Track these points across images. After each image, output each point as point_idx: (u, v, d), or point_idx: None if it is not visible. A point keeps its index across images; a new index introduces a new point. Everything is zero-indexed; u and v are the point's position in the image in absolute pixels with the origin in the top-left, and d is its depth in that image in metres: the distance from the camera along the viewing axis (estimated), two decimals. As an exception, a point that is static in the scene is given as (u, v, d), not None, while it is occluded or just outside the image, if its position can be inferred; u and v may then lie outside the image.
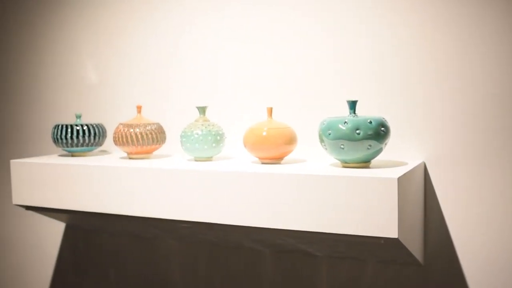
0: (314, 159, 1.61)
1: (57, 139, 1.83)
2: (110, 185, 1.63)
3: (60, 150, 2.09)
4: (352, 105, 1.41)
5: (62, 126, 1.83)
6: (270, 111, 1.54)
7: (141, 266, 2.08)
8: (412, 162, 1.49)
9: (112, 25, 2.07)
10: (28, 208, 1.86)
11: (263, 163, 1.53)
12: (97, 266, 2.19)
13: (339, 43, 1.66)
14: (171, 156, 1.83)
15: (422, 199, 1.55)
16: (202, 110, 1.66)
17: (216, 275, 1.92)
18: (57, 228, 2.26)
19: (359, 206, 1.27)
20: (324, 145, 1.40)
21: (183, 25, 1.92)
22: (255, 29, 1.79)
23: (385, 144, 1.39)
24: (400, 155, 1.58)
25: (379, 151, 1.38)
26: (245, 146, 1.53)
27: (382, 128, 1.36)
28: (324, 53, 1.68)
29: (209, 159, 1.64)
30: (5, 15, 2.36)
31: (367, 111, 1.57)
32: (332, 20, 1.67)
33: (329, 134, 1.37)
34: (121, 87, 2.06)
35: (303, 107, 1.72)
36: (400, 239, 1.25)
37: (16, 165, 1.84)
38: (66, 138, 1.82)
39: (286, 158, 1.57)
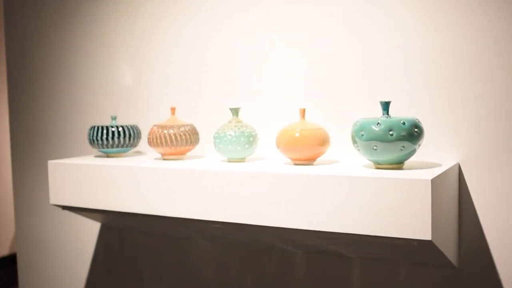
0: (347, 160, 1.61)
1: (93, 140, 1.86)
2: (145, 185, 1.66)
3: (96, 151, 2.13)
4: (385, 106, 1.41)
5: (98, 127, 1.86)
6: (303, 112, 1.55)
7: (174, 266, 2.10)
8: (446, 164, 1.47)
9: (146, 27, 2.10)
10: (65, 208, 1.89)
11: (295, 164, 1.54)
12: (131, 265, 2.22)
13: (372, 44, 1.65)
14: (204, 157, 1.84)
15: (457, 201, 1.54)
16: (235, 111, 1.67)
17: (248, 275, 1.93)
18: (92, 227, 2.30)
19: (392, 207, 1.27)
20: (357, 146, 1.40)
21: (216, 26, 1.94)
22: (288, 30, 1.80)
23: (419, 145, 1.38)
24: (434, 156, 1.56)
25: (412, 152, 1.37)
26: (277, 147, 1.54)
27: (416, 129, 1.35)
28: (358, 54, 1.68)
29: (242, 160, 1.65)
30: (41, 19, 2.41)
31: (401, 112, 1.56)
32: (365, 20, 1.67)
33: (362, 135, 1.37)
34: (155, 89, 2.08)
35: (336, 108, 1.72)
36: (434, 241, 1.24)
37: (54, 165, 1.88)
38: (101, 139, 1.85)
39: (318, 159, 1.57)
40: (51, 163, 1.88)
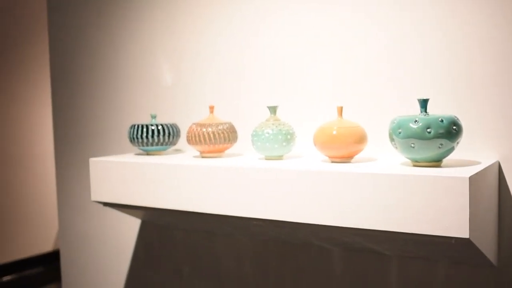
0: (384, 158, 1.61)
1: (133, 138, 1.90)
2: (184, 183, 1.68)
3: (136, 149, 2.17)
4: (423, 103, 1.40)
5: (138, 126, 1.89)
6: (340, 110, 1.55)
7: (213, 263, 2.13)
8: (486, 162, 1.46)
9: (185, 27, 2.13)
10: (106, 204, 1.93)
11: (332, 162, 1.54)
12: (170, 262, 2.25)
13: (410, 41, 1.65)
14: (242, 155, 1.86)
15: (496, 199, 1.52)
16: (273, 109, 1.68)
17: (286, 272, 1.95)
18: (133, 224, 2.34)
19: (429, 205, 1.27)
20: (394, 144, 1.40)
21: (253, 26, 1.95)
22: (325, 28, 1.80)
23: (457, 143, 1.37)
24: (473, 154, 1.55)
25: (450, 150, 1.37)
26: (315, 145, 1.54)
27: (454, 127, 1.35)
28: (395, 51, 1.68)
29: (279, 157, 1.67)
30: (83, 19, 2.46)
31: (439, 110, 1.55)
32: (403, 18, 1.66)
33: (400, 133, 1.37)
34: (194, 88, 2.11)
35: (373, 106, 1.72)
36: (472, 239, 1.23)
37: (95, 163, 1.92)
38: (142, 138, 1.88)
39: (356, 157, 1.57)
40: (93, 161, 1.93)
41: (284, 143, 1.63)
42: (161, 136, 1.89)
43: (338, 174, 1.39)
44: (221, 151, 1.79)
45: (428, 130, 1.33)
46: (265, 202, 1.52)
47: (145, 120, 2.17)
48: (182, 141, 2.03)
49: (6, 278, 4.59)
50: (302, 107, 1.85)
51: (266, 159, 1.68)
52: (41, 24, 4.70)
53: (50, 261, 4.92)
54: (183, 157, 1.86)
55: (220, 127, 1.76)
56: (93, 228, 2.53)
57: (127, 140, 2.18)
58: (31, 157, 4.87)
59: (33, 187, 4.85)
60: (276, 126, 1.63)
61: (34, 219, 4.85)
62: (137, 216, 2.17)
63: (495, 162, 1.49)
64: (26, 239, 4.79)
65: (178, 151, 2.08)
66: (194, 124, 1.79)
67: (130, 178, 1.82)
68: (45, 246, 4.94)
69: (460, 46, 1.57)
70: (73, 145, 2.56)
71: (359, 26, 1.74)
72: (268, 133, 1.62)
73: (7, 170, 4.68)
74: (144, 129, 1.88)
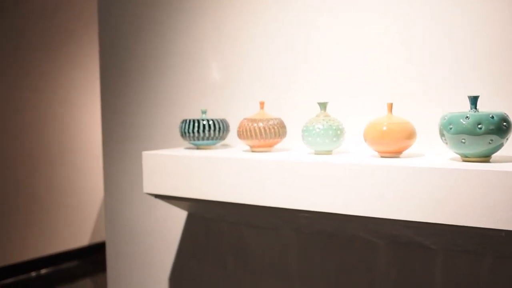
0: (432, 154, 1.65)
1: (185, 132, 1.96)
2: (235, 176, 1.75)
3: (185, 144, 2.24)
4: (474, 100, 1.44)
5: (189, 121, 1.96)
6: (390, 106, 1.60)
7: (259, 256, 2.18)
8: (534, 158, 1.50)
9: (234, 25, 2.19)
10: (157, 196, 2.00)
11: (382, 157, 1.59)
12: (216, 254, 2.32)
13: (460, 37, 1.69)
14: (292, 150, 1.92)
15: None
16: (323, 105, 1.73)
17: (330, 266, 1.99)
18: (179, 217, 2.41)
19: (479, 199, 1.31)
20: (445, 139, 1.44)
21: (303, 24, 2.01)
22: (374, 25, 1.85)
23: (507, 139, 1.41)
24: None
25: (500, 146, 1.41)
26: (365, 140, 1.59)
27: (504, 123, 1.38)
28: (445, 48, 1.72)
29: (328, 152, 1.72)
30: (134, 17, 2.54)
31: (489, 107, 1.59)
32: (453, 12, 1.70)
33: (450, 128, 1.41)
34: (243, 84, 2.17)
35: (423, 103, 1.76)
36: (522, 232, 1.27)
37: (147, 156, 1.99)
38: (193, 132, 1.95)
39: (404, 153, 1.62)
40: (145, 154, 2.00)
41: (334, 138, 1.68)
42: (211, 131, 1.95)
43: (389, 168, 1.44)
44: (271, 145, 1.85)
45: (479, 126, 1.37)
46: (315, 195, 1.58)
47: (195, 115, 2.23)
48: (230, 136, 2.09)
49: (44, 271, 4.70)
50: (352, 103, 1.90)
51: (315, 153, 1.73)
52: (91, 23, 4.81)
53: (86, 255, 5.03)
54: (233, 151, 1.92)
55: (271, 122, 1.82)
56: (139, 221, 2.60)
57: (176, 134, 2.25)
58: (78, 153, 4.99)
59: (74, 183, 4.96)
60: (327, 122, 1.68)
61: (72, 215, 4.95)
62: (185, 209, 2.24)
63: (543, 159, 1.52)
64: (63, 233, 4.90)
65: (226, 145, 2.15)
66: (245, 119, 1.85)
67: (181, 171, 1.88)
68: (82, 241, 5.05)
69: (510, 44, 1.60)
70: (121, 139, 2.64)
71: (408, 22, 1.78)
72: (318, 128, 1.67)
73: (53, 166, 4.79)
74: (195, 124, 1.95)
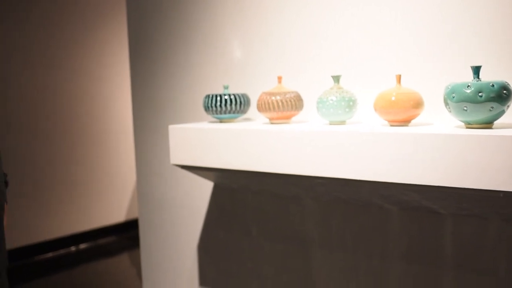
0: (439, 122, 1.74)
1: (208, 107, 2.08)
2: (256, 146, 1.86)
3: (209, 117, 2.35)
4: (476, 70, 1.52)
5: (212, 95, 2.07)
6: (398, 78, 1.68)
7: (280, 223, 2.30)
8: (535, 124, 1.57)
9: (254, 5, 2.28)
10: (183, 167, 2.13)
11: (391, 126, 1.68)
12: (241, 222, 2.44)
13: (465, 9, 1.76)
14: (308, 121, 2.02)
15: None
16: (336, 78, 1.83)
17: (348, 231, 2.10)
18: (206, 188, 2.54)
19: (481, 162, 1.40)
20: (449, 107, 1.53)
21: (317, 1, 2.09)
22: (382, 2, 1.93)
23: (507, 106, 1.48)
24: (524, 118, 1.66)
25: (501, 113, 1.48)
26: (375, 110, 1.69)
27: (504, 91, 1.46)
28: (452, 21, 1.79)
29: (342, 122, 1.82)
30: (162, 1, 2.65)
31: (493, 77, 1.66)
32: (459, -8, 1.77)
33: (453, 97, 1.49)
34: (263, 60, 2.28)
35: (430, 74, 1.84)
36: (519, 192, 1.36)
37: (174, 130, 2.11)
38: (215, 106, 2.06)
39: (413, 121, 1.71)
40: (172, 128, 2.12)
41: (346, 109, 1.77)
42: (233, 105, 2.06)
43: (397, 136, 1.54)
44: (289, 117, 1.95)
45: (480, 94, 1.45)
46: (329, 163, 1.68)
47: (218, 90, 2.34)
48: (251, 110, 2.20)
49: (83, 246, 4.89)
50: (363, 76, 1.99)
51: (330, 124, 1.83)
52: (119, 6, 4.94)
53: (123, 231, 5.21)
54: (254, 124, 2.03)
55: (288, 95, 1.92)
56: (169, 194, 2.74)
57: (200, 109, 2.36)
58: (114, 132, 5.16)
59: (111, 161, 5.13)
60: (340, 94, 1.78)
61: (108, 192, 5.13)
62: (210, 179, 2.36)
63: (544, 125, 1.59)
64: (101, 210, 5.08)
65: (248, 119, 2.26)
66: (263, 93, 1.95)
67: (206, 143, 2.00)
68: (118, 217, 5.22)
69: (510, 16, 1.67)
70: (150, 114, 2.77)
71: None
72: (332, 100, 1.77)
73: (90, 144, 4.96)
74: (218, 99, 2.06)
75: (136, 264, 4.27)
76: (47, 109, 4.65)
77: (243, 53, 2.34)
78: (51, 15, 4.64)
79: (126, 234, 5.18)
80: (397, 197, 1.77)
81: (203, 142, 2.01)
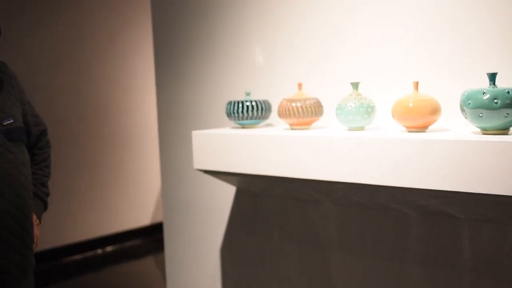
0: (456, 128, 1.77)
1: (230, 113, 2.13)
2: (276, 151, 1.90)
3: (230, 123, 2.40)
4: (492, 77, 1.54)
5: (234, 102, 2.12)
6: (416, 84, 1.72)
7: (301, 227, 2.33)
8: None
9: (275, 11, 2.33)
10: (206, 172, 2.18)
11: (409, 132, 1.71)
12: (262, 226, 2.48)
13: (481, 17, 1.78)
14: (328, 127, 2.06)
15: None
16: (355, 85, 1.87)
17: (367, 235, 2.13)
18: (228, 192, 2.59)
19: (496, 168, 1.42)
20: (465, 114, 1.56)
21: (337, 10, 2.13)
22: (400, 9, 1.96)
23: (523, 113, 1.50)
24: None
25: (516, 119, 1.51)
26: (393, 116, 1.72)
27: (520, 98, 1.49)
28: (468, 28, 1.81)
29: (361, 128, 1.85)
30: (185, 5, 2.71)
31: (509, 84, 1.68)
32: None
33: (469, 103, 1.52)
34: (284, 67, 2.32)
35: (447, 80, 1.87)
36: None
37: (197, 135, 2.17)
38: (238, 112, 2.11)
39: (430, 127, 1.73)
40: (195, 133, 2.17)
41: (365, 115, 1.81)
42: (255, 111, 2.11)
43: (415, 142, 1.57)
44: (309, 123, 1.99)
45: (495, 100, 1.48)
46: (349, 168, 1.72)
47: (239, 97, 2.39)
48: (273, 116, 2.25)
49: (109, 248, 4.98)
50: (382, 82, 2.02)
51: (349, 130, 1.87)
52: (145, 12, 5.02)
53: (148, 234, 5.28)
54: (275, 130, 2.07)
55: (308, 102, 1.96)
56: (192, 197, 2.79)
57: (222, 115, 2.41)
58: (139, 136, 5.24)
59: (137, 166, 5.21)
60: (358, 100, 1.82)
61: (134, 195, 5.21)
62: (232, 183, 2.41)
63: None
64: (127, 213, 5.16)
65: (269, 125, 2.30)
66: (284, 99, 2.00)
67: (228, 148, 2.05)
68: (144, 220, 5.30)
69: (530, 25, 1.69)
70: (174, 120, 2.83)
71: (432, 5, 1.89)
72: (351, 106, 1.81)
73: (117, 149, 5.06)
74: (240, 105, 2.11)
75: (161, 267, 4.33)
76: (74, 114, 4.74)
77: (264, 60, 2.38)
78: (77, 24, 4.73)
79: (151, 237, 5.25)
80: (416, 202, 1.79)
81: (226, 148, 2.06)
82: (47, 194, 1.92)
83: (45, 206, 1.92)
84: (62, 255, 4.70)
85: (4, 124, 1.66)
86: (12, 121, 1.69)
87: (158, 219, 5.36)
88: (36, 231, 1.81)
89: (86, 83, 4.82)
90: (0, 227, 1.59)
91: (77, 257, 4.78)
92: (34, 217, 1.80)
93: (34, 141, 1.89)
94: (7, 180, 1.61)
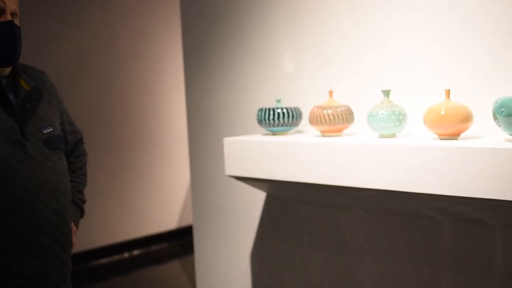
0: (489, 136, 1.77)
1: (261, 120, 2.16)
2: (307, 158, 1.93)
3: (260, 130, 2.43)
4: (525, 85, 1.56)
5: (266, 109, 2.15)
6: (448, 92, 1.73)
7: (331, 233, 2.35)
8: None
9: (306, 20, 2.35)
10: (238, 178, 2.21)
11: (441, 139, 1.72)
12: (292, 231, 2.50)
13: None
14: (359, 134, 2.07)
15: None
16: (386, 93, 1.88)
17: (398, 242, 2.13)
18: (258, 198, 2.62)
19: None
20: (498, 122, 1.56)
21: (368, 18, 2.15)
22: (431, 15, 1.97)
23: (556, 120, 1.51)
24: None
25: (550, 127, 1.52)
26: (425, 124, 1.73)
27: (553, 106, 1.49)
28: (501, 35, 1.82)
29: (392, 135, 1.87)
30: (214, 15, 2.75)
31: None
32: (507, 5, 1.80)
33: (502, 111, 1.53)
34: (314, 75, 2.34)
35: (479, 88, 1.87)
36: None
37: (229, 142, 2.20)
38: (269, 119, 2.13)
39: (462, 135, 1.74)
40: (227, 140, 2.21)
41: (396, 123, 1.83)
42: (286, 118, 2.13)
43: (447, 149, 1.58)
44: (340, 130, 2.01)
45: (528, 108, 1.49)
46: (380, 175, 1.73)
47: (268, 103, 2.41)
48: (303, 123, 2.27)
49: (136, 252, 5.03)
50: (413, 90, 2.03)
51: (380, 137, 1.89)
52: (173, 18, 5.07)
53: (174, 238, 5.33)
54: (306, 136, 2.10)
55: (339, 109, 1.98)
56: (222, 203, 2.83)
57: (251, 121, 2.44)
58: (165, 142, 5.29)
59: (162, 171, 5.25)
60: (390, 108, 1.83)
61: (161, 199, 5.25)
62: (263, 189, 2.43)
63: None
64: (153, 217, 5.21)
65: (299, 132, 2.32)
66: (315, 107, 2.02)
67: (260, 155, 2.08)
68: (170, 224, 5.34)
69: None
70: (204, 127, 2.87)
71: (464, 12, 1.89)
72: (382, 113, 1.83)
73: (143, 155, 5.11)
74: (271, 112, 2.13)
75: (187, 271, 4.37)
76: (102, 119, 4.80)
77: (294, 67, 2.41)
78: (104, 29, 4.79)
79: (177, 241, 5.29)
80: (447, 208, 1.80)
81: (258, 154, 2.08)
82: (84, 201, 1.97)
83: (81, 213, 1.96)
84: (89, 258, 4.75)
85: (44, 132, 1.71)
86: (51, 129, 1.73)
87: (184, 223, 5.40)
88: (73, 238, 1.86)
89: (113, 88, 4.87)
90: (40, 233, 1.63)
91: (105, 260, 4.83)
92: (72, 224, 1.85)
93: (71, 149, 1.94)
94: (47, 187, 1.65)
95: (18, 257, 1.60)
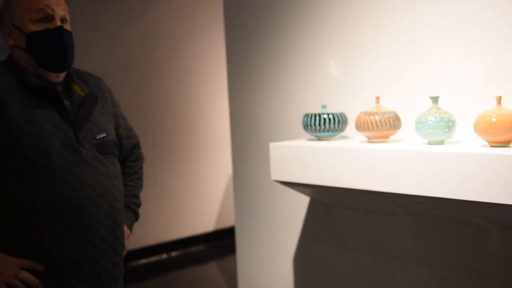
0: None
1: (307, 125, 2.17)
2: (353, 164, 1.93)
3: (304, 135, 2.44)
4: None
5: (312, 114, 2.16)
6: (499, 99, 1.71)
7: (376, 239, 2.35)
8: None
9: (352, 25, 2.35)
10: (283, 183, 2.22)
11: (492, 147, 1.71)
12: (336, 236, 2.50)
13: None
14: (406, 140, 2.07)
15: None
16: (435, 99, 1.88)
17: (444, 249, 2.12)
18: (301, 202, 2.62)
19: None
20: (551, 129, 1.55)
21: (416, 23, 2.14)
22: (482, 25, 1.95)
23: None
24: None
25: None
26: (475, 131, 1.72)
27: None
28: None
29: (441, 142, 1.86)
30: (258, 20, 2.76)
31: None
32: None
33: (557, 119, 1.52)
34: (360, 80, 2.34)
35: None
36: None
37: (275, 147, 2.21)
38: (315, 125, 2.14)
39: (514, 142, 1.73)
40: (273, 145, 2.22)
41: (446, 130, 1.82)
42: (332, 124, 2.13)
43: (497, 156, 1.57)
44: (387, 136, 2.01)
45: None
46: (428, 182, 1.73)
47: (312, 109, 2.42)
48: (348, 128, 2.27)
49: (174, 253, 5.07)
50: (462, 96, 2.01)
51: (428, 143, 1.88)
52: (214, 24, 5.12)
53: (211, 240, 5.36)
54: (352, 142, 2.10)
55: (386, 115, 1.98)
56: (265, 207, 2.84)
57: (295, 127, 2.44)
58: (205, 147, 5.34)
59: (201, 174, 5.29)
60: (439, 114, 1.82)
61: (199, 201, 5.30)
62: (307, 194, 2.44)
63: None
64: (191, 219, 5.25)
65: (345, 137, 2.32)
66: (362, 113, 2.02)
67: (306, 160, 2.08)
68: (208, 226, 5.38)
69: None
70: (247, 133, 2.89)
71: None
72: (431, 120, 1.82)
73: (183, 158, 5.17)
74: (317, 117, 2.14)
75: (225, 273, 4.40)
76: (142, 122, 4.85)
77: (340, 72, 2.41)
78: (144, 33, 4.85)
79: (215, 243, 5.33)
80: (498, 216, 1.79)
81: (303, 159, 2.09)
82: (139, 205, 2.00)
83: (136, 217, 2.00)
84: (128, 259, 4.80)
85: (97, 138, 1.74)
86: (104, 135, 1.77)
87: (222, 225, 5.44)
88: (126, 241, 1.89)
89: (154, 93, 4.93)
90: (94, 235, 1.67)
91: (143, 261, 4.89)
92: (125, 227, 1.88)
93: (126, 154, 1.98)
94: (100, 191, 1.69)
95: (72, 258, 1.64)
